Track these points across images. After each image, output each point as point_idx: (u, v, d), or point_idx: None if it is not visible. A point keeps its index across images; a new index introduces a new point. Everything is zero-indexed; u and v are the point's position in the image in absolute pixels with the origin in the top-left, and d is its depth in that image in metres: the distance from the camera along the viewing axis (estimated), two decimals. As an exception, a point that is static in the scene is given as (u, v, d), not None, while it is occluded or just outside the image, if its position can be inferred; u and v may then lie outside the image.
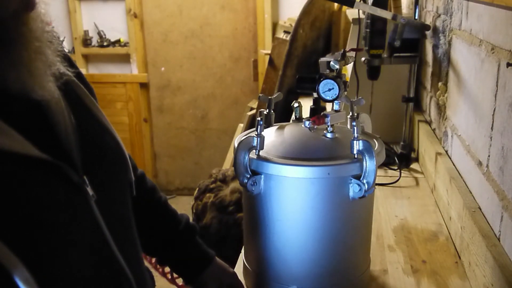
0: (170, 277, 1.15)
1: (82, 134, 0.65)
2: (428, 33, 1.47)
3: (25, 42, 0.57)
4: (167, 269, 1.16)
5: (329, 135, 0.81)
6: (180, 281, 1.12)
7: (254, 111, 2.89)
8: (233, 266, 0.96)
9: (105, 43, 3.48)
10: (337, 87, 0.84)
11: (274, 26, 3.34)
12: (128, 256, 0.67)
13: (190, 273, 0.93)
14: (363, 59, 1.39)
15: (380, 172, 1.42)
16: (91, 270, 0.61)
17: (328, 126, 0.81)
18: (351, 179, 0.76)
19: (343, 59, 0.91)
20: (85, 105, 0.70)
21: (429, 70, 1.48)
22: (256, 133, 0.78)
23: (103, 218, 0.63)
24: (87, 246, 0.61)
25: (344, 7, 2.46)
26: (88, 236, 0.61)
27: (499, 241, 0.84)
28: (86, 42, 3.49)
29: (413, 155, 1.51)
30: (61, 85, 0.63)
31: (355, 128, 0.75)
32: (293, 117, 0.94)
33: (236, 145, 0.78)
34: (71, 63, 0.70)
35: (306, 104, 0.92)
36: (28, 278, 0.51)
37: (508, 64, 0.80)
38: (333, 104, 0.85)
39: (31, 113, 0.60)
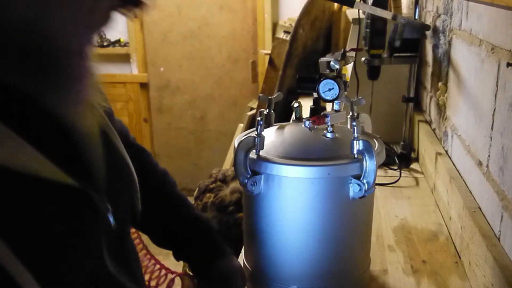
0: (149, 284, 1.15)
1: (107, 164, 0.65)
2: (428, 33, 1.47)
3: (84, 75, 0.57)
4: (163, 272, 1.16)
5: (329, 135, 0.81)
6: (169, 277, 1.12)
7: (254, 111, 2.89)
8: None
9: (105, 43, 3.48)
10: (337, 87, 0.84)
11: (274, 26, 3.34)
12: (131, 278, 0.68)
13: (200, 264, 0.93)
14: (363, 59, 1.39)
15: (380, 172, 1.42)
16: None
17: (328, 126, 0.81)
18: (351, 179, 0.76)
19: (343, 59, 0.91)
20: (110, 138, 0.70)
21: (429, 70, 1.48)
22: (256, 133, 0.78)
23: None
24: (92, 271, 0.61)
25: (344, 7, 2.46)
26: (96, 262, 0.62)
27: (499, 241, 0.84)
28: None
29: (413, 155, 1.51)
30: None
31: (355, 128, 0.75)
32: (293, 117, 0.94)
33: (236, 145, 0.78)
34: (105, 98, 0.71)
35: (306, 104, 0.92)
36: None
37: (508, 64, 0.80)
38: (333, 104, 0.85)
39: (66, 140, 0.60)
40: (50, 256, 0.54)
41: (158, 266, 1.11)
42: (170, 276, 1.07)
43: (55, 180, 0.55)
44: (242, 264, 0.90)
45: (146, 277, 1.14)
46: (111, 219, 0.63)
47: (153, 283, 1.09)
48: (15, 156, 0.52)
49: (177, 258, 0.96)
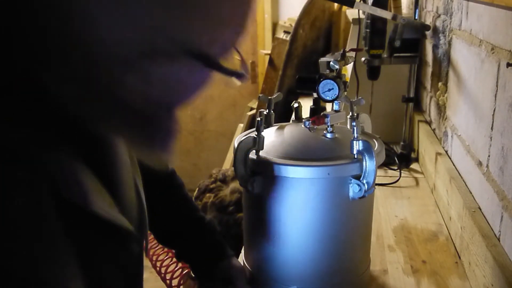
0: (165, 276, 1.16)
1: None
2: (428, 33, 1.47)
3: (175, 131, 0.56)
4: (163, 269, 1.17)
5: (329, 135, 0.81)
6: (175, 282, 1.13)
7: (254, 111, 2.89)
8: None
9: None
10: (337, 87, 0.84)
11: (274, 26, 3.34)
12: None
13: (201, 264, 0.93)
14: (363, 59, 1.39)
15: (380, 172, 1.41)
16: None
17: (328, 126, 0.81)
18: (351, 179, 0.76)
19: (343, 59, 0.91)
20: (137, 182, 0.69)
21: (429, 70, 1.48)
22: (256, 133, 0.78)
23: None
24: None
25: (344, 7, 2.46)
26: None
27: (499, 241, 0.84)
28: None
29: (413, 155, 1.50)
30: None
31: (355, 128, 0.75)
32: (293, 117, 0.93)
33: (236, 145, 0.78)
34: None
35: (306, 104, 0.92)
36: None
37: (508, 64, 0.80)
38: (333, 104, 0.85)
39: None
40: None
41: (174, 259, 1.13)
42: (185, 269, 1.08)
43: (122, 225, 0.55)
44: (242, 264, 0.90)
45: (162, 270, 1.16)
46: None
47: (168, 276, 1.11)
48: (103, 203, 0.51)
49: (179, 258, 0.96)
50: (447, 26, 1.26)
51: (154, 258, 1.18)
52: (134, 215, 0.62)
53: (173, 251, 1.00)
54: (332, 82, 0.84)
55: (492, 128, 0.89)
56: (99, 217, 0.49)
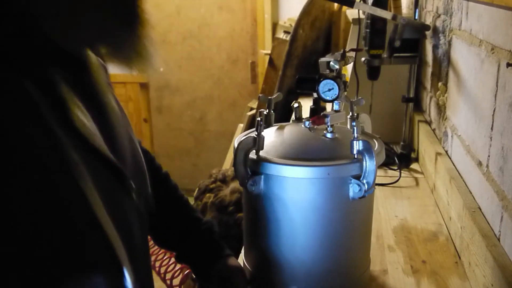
0: (165, 277, 1.17)
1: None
2: (428, 33, 1.47)
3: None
4: (168, 275, 1.18)
5: (329, 135, 0.81)
6: (176, 282, 1.13)
7: (254, 111, 2.89)
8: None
9: (105, 43, 3.48)
10: (337, 87, 0.84)
11: (274, 26, 3.34)
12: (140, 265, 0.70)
13: (200, 264, 0.93)
14: (363, 59, 1.39)
15: (380, 172, 1.41)
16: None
17: (328, 126, 0.81)
18: (351, 179, 0.76)
19: (343, 59, 0.91)
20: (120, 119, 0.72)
21: (429, 70, 1.48)
22: (256, 133, 0.78)
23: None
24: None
25: (344, 7, 2.46)
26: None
27: (499, 241, 0.84)
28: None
29: (413, 155, 1.50)
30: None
31: (355, 128, 0.75)
32: (293, 117, 0.93)
33: (236, 145, 0.78)
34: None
35: (306, 104, 0.92)
36: (126, 260, 0.56)
37: (508, 64, 0.80)
38: (333, 104, 0.85)
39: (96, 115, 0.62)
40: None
41: (173, 260, 1.13)
42: (185, 270, 1.08)
43: (102, 152, 0.58)
44: (242, 264, 0.90)
45: (162, 269, 1.16)
46: (135, 196, 0.66)
47: (168, 276, 1.12)
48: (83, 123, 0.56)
49: (179, 260, 0.96)
50: (447, 26, 1.26)
51: (153, 258, 1.19)
52: (129, 164, 0.66)
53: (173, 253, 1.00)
54: (332, 82, 0.84)
55: (492, 128, 0.89)
56: (84, 140, 0.55)
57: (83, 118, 0.56)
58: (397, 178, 1.37)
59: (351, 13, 2.02)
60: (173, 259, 1.16)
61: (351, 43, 1.73)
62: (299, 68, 2.31)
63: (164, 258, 1.19)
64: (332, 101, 0.85)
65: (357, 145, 0.75)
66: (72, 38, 0.58)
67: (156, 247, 1.19)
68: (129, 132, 0.72)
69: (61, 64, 0.57)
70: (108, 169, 0.59)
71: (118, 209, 0.61)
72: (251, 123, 2.80)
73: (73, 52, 0.60)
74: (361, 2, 1.31)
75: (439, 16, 1.36)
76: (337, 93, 0.84)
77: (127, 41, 0.60)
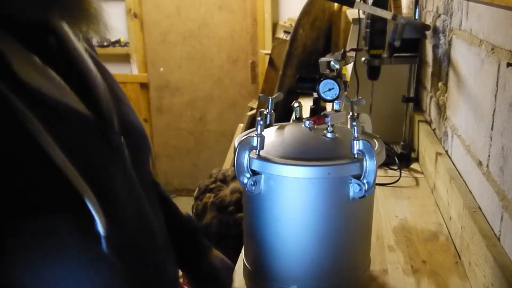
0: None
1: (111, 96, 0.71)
2: (428, 33, 1.47)
3: None
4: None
5: (329, 135, 0.81)
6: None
7: (254, 111, 2.89)
8: (233, 266, 0.96)
9: (105, 43, 3.48)
10: (337, 87, 0.84)
11: (274, 26, 3.34)
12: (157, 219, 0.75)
13: (187, 263, 0.96)
14: (363, 59, 1.39)
15: (380, 172, 1.41)
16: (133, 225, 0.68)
17: (328, 126, 0.81)
18: (351, 179, 0.76)
19: (343, 59, 0.91)
20: (107, 77, 0.76)
21: (429, 70, 1.48)
22: (256, 133, 0.78)
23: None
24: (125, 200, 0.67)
25: (344, 7, 2.46)
26: (126, 192, 0.68)
27: (499, 241, 0.84)
28: (87, 41, 3.48)
29: (413, 155, 1.50)
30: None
31: (355, 128, 0.75)
32: (293, 117, 0.93)
33: (236, 145, 0.78)
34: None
35: (306, 104, 0.92)
36: (96, 203, 0.57)
37: (508, 64, 0.80)
38: (333, 104, 0.85)
39: (74, 77, 0.66)
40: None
41: None
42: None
43: (74, 108, 0.62)
44: (242, 265, 0.90)
45: None
46: (126, 151, 0.68)
47: None
48: (44, 83, 0.60)
49: None
50: (447, 26, 1.26)
51: None
52: (110, 115, 0.68)
53: None
54: (332, 81, 0.84)
55: (492, 128, 0.89)
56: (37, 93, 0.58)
57: (36, 73, 0.60)
58: (397, 178, 1.37)
59: (351, 13, 2.02)
60: None
61: (351, 43, 1.73)
62: (299, 68, 2.31)
63: None
64: (332, 101, 0.85)
65: (358, 145, 0.75)
66: (18, 5, 0.60)
67: None
68: (120, 96, 0.76)
69: (14, 30, 0.60)
70: (77, 118, 0.62)
71: (87, 154, 0.62)
72: (251, 123, 2.80)
73: (26, 20, 0.62)
74: (361, 2, 1.31)
75: (439, 16, 1.36)
76: (337, 93, 0.84)
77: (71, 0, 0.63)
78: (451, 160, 1.19)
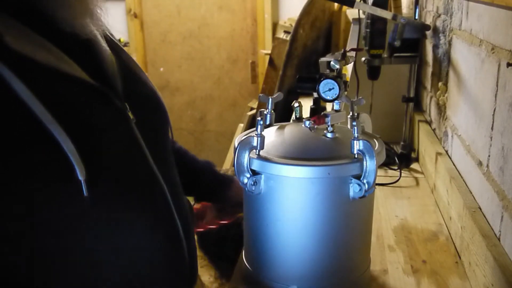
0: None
1: (122, 70, 0.78)
2: (428, 33, 1.47)
3: None
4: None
5: (329, 135, 0.81)
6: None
7: (254, 111, 2.89)
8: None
9: (105, 43, 3.48)
10: (337, 87, 0.84)
11: (274, 26, 3.34)
12: (165, 177, 0.79)
13: (212, 195, 1.13)
14: (363, 59, 1.39)
15: (380, 172, 1.41)
16: (128, 176, 0.73)
17: (328, 126, 0.81)
18: (351, 179, 0.76)
19: (343, 59, 0.91)
20: (121, 56, 0.82)
21: (429, 70, 1.48)
22: (256, 133, 0.78)
23: (143, 139, 0.76)
24: (127, 159, 0.73)
25: (344, 7, 2.46)
26: (128, 152, 0.74)
27: (499, 241, 0.84)
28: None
29: (413, 155, 1.51)
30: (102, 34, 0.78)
31: (355, 128, 0.75)
32: (293, 117, 0.93)
33: (236, 145, 0.78)
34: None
35: (306, 104, 0.92)
36: (73, 150, 0.61)
37: (508, 64, 0.80)
38: (333, 104, 0.85)
39: (83, 50, 0.72)
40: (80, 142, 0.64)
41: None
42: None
43: (80, 77, 0.67)
44: (242, 264, 0.90)
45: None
46: (129, 114, 0.74)
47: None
48: (49, 57, 0.65)
49: (198, 200, 1.16)
50: (447, 26, 1.26)
51: None
52: (114, 82, 0.74)
53: None
54: (332, 81, 0.84)
55: (492, 128, 0.89)
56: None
57: (30, 44, 0.63)
58: (397, 178, 1.37)
59: (351, 13, 2.03)
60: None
61: (351, 43, 1.73)
62: (299, 68, 2.32)
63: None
64: (332, 100, 0.85)
65: (358, 145, 0.75)
66: None
67: None
68: (135, 71, 0.83)
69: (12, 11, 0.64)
70: (75, 82, 0.67)
71: (78, 112, 0.67)
72: (251, 123, 2.80)
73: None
74: (361, 2, 1.31)
75: (439, 16, 1.36)
76: (337, 93, 0.84)
77: None
78: (451, 160, 1.19)
